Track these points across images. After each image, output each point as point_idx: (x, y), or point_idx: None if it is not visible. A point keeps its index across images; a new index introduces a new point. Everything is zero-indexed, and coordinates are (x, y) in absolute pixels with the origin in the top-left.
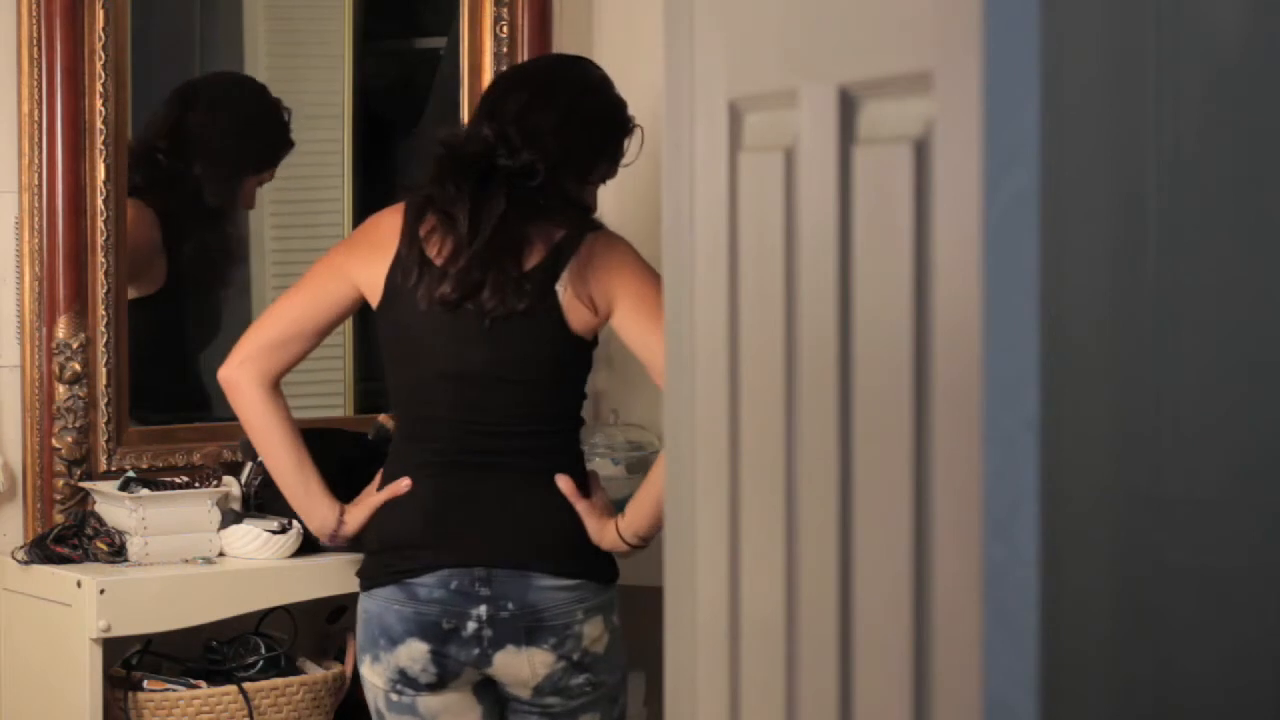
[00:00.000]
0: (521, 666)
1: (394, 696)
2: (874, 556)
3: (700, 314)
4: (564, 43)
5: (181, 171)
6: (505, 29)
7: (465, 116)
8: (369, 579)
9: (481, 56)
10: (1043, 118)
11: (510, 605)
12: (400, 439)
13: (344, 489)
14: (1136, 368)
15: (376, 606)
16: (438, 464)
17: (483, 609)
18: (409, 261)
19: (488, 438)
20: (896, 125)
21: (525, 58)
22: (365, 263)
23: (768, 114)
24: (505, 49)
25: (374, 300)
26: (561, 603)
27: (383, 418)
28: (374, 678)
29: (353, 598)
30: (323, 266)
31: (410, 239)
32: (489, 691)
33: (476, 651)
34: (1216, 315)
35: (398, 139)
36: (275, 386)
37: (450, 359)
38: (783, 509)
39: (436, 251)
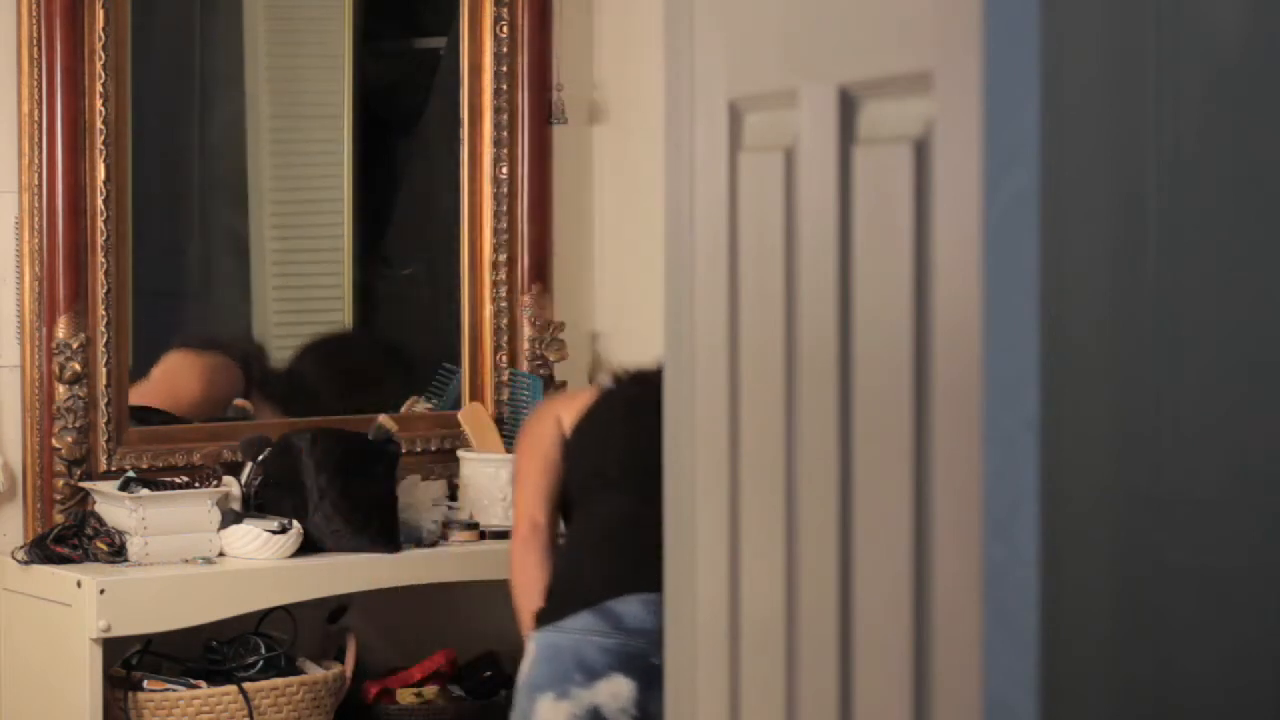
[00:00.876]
0: None
1: None
2: (874, 556)
3: (700, 314)
4: (564, 43)
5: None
6: (505, 29)
7: (465, 116)
8: (554, 612)
9: (481, 56)
10: (1043, 118)
11: None
12: (572, 525)
13: (343, 489)
14: (1136, 368)
15: (569, 640)
16: (620, 513)
17: None
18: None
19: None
20: (896, 125)
21: (525, 58)
22: (566, 404)
23: (768, 114)
24: (505, 49)
25: (573, 419)
26: None
27: (383, 418)
28: (554, 716)
29: (352, 597)
30: (528, 429)
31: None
32: None
33: None
34: (1216, 315)
35: (398, 139)
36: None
37: (641, 436)
38: (783, 509)
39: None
